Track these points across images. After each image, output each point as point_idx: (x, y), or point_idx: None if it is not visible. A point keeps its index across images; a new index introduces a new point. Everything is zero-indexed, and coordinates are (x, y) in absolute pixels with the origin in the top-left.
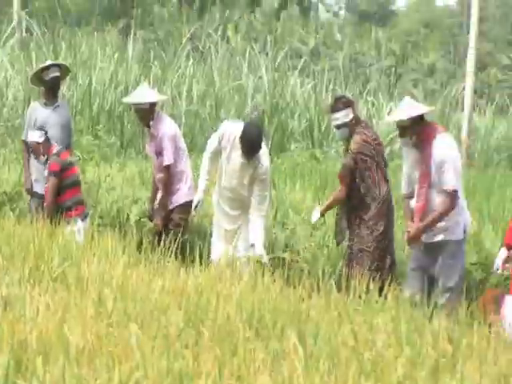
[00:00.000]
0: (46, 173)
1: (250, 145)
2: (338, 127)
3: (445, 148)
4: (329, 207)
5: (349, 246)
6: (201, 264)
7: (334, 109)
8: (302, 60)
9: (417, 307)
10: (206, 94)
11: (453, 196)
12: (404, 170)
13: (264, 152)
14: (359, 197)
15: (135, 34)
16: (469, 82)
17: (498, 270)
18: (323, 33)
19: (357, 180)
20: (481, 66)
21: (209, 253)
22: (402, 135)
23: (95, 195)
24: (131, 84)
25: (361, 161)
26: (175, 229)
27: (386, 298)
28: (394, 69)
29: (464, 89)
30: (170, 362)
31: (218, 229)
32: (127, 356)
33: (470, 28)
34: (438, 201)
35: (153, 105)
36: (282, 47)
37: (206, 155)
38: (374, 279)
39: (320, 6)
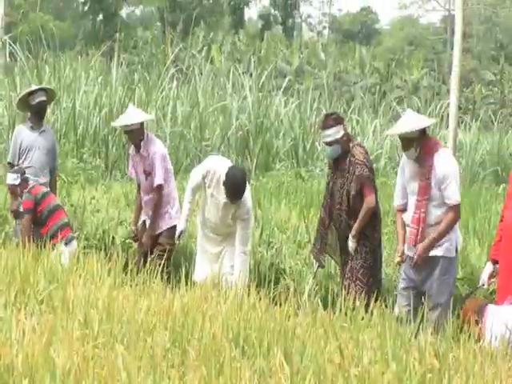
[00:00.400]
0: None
1: (235, 190)
2: (330, 144)
3: (447, 163)
4: (362, 224)
5: (346, 261)
6: (186, 284)
7: (325, 126)
8: (286, 79)
9: (403, 323)
10: (190, 115)
11: (457, 209)
12: (399, 182)
13: (247, 193)
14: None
15: (119, 57)
16: (453, 98)
17: (483, 285)
18: (307, 52)
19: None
20: (465, 83)
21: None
22: (406, 148)
23: (81, 218)
24: (115, 107)
25: (371, 172)
26: (162, 253)
27: (372, 314)
28: (378, 87)
29: (448, 105)
30: (156, 382)
31: (201, 250)
32: (113, 377)
33: (454, 45)
34: (437, 214)
35: (142, 125)
36: (266, 67)
37: (189, 187)
38: (371, 295)
39: (303, 25)
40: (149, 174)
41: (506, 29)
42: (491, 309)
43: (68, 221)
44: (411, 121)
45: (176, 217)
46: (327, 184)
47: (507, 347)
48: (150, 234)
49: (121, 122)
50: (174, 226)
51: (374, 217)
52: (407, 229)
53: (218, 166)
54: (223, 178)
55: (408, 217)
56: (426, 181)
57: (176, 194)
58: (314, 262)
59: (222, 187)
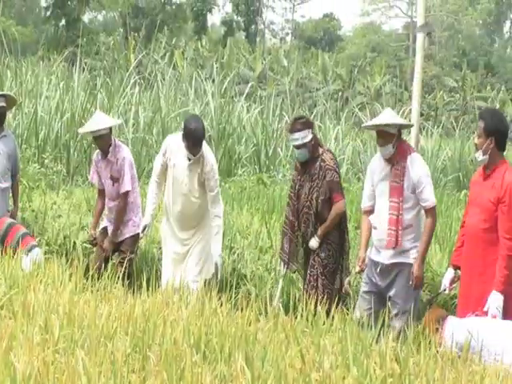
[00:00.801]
0: None
1: (194, 136)
2: (298, 147)
3: (421, 166)
4: (329, 227)
5: (311, 266)
6: (148, 289)
7: (293, 129)
8: (249, 85)
9: (364, 328)
10: (152, 121)
11: (434, 212)
12: (367, 183)
13: (207, 150)
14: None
15: (81, 63)
16: (415, 104)
17: (445, 290)
18: (270, 58)
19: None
20: (428, 89)
21: (157, 278)
22: (384, 143)
23: (42, 223)
24: (77, 112)
25: (339, 177)
26: (123, 260)
27: (333, 319)
28: (340, 93)
29: (410, 112)
30: None
31: (166, 253)
32: (74, 382)
33: (416, 51)
34: (408, 218)
35: (111, 130)
36: (229, 73)
37: (153, 179)
38: (333, 300)
39: (266, 31)
40: (116, 179)
41: (468, 36)
42: (452, 319)
43: (26, 231)
44: (393, 116)
45: (139, 224)
46: (292, 188)
47: (468, 353)
48: (111, 240)
49: (89, 127)
50: (137, 234)
51: (340, 223)
52: (378, 231)
53: (173, 137)
54: (181, 141)
55: (379, 219)
56: (399, 183)
57: (140, 201)
58: (282, 264)
59: (182, 146)
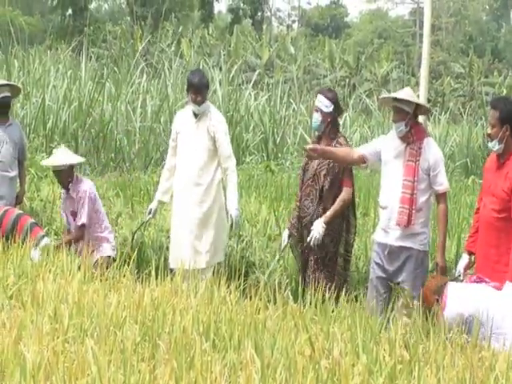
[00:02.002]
0: None
1: (195, 83)
2: (316, 110)
3: (438, 150)
4: (336, 215)
5: (315, 251)
6: (156, 278)
7: (321, 91)
8: (256, 73)
9: (374, 314)
10: (160, 110)
11: (446, 197)
12: (374, 143)
13: (215, 109)
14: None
15: (88, 52)
16: (422, 91)
17: (459, 276)
18: (277, 46)
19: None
20: (434, 75)
21: (165, 267)
22: (398, 119)
23: (50, 213)
24: (85, 101)
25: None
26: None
27: (342, 306)
28: (347, 80)
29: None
30: (127, 376)
31: (173, 234)
32: (83, 371)
33: (423, 37)
34: (421, 200)
35: (72, 167)
36: (236, 61)
37: (165, 167)
38: (340, 285)
39: (273, 19)
40: (75, 214)
41: (475, 21)
42: (451, 286)
43: (34, 221)
44: (410, 95)
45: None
46: (303, 162)
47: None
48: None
49: (50, 162)
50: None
51: (347, 209)
52: (387, 211)
53: (181, 111)
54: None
55: (389, 197)
56: (415, 162)
57: (112, 236)
58: (285, 236)
59: (189, 112)
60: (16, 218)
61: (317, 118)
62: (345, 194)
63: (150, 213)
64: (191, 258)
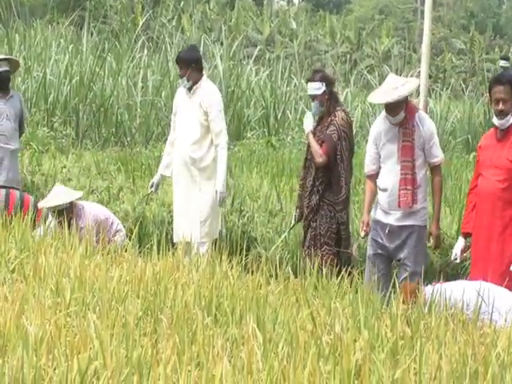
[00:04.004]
0: None
1: (178, 57)
2: (312, 98)
3: (431, 123)
4: (313, 150)
5: (313, 227)
6: (158, 253)
7: (309, 79)
8: (257, 48)
9: (374, 290)
10: (161, 84)
11: (440, 168)
12: (370, 148)
13: (209, 83)
14: (336, 176)
15: (89, 26)
16: (424, 67)
17: (456, 259)
18: (278, 21)
19: (338, 157)
20: (436, 51)
21: (167, 241)
22: (396, 113)
23: (51, 187)
24: (86, 75)
25: (343, 139)
26: None
27: (343, 281)
28: (349, 56)
29: (419, 74)
30: (129, 351)
31: (175, 206)
32: (86, 345)
33: (425, 13)
34: (419, 177)
35: (71, 203)
36: (237, 36)
37: (167, 141)
38: (338, 261)
39: None
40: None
41: None
42: (429, 288)
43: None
44: (399, 85)
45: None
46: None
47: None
48: None
49: (48, 203)
50: None
51: (339, 184)
52: (387, 193)
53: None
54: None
55: (388, 180)
56: (410, 142)
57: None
58: (293, 217)
59: (183, 89)
60: (20, 199)
61: (316, 105)
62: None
63: (152, 187)
64: (185, 231)
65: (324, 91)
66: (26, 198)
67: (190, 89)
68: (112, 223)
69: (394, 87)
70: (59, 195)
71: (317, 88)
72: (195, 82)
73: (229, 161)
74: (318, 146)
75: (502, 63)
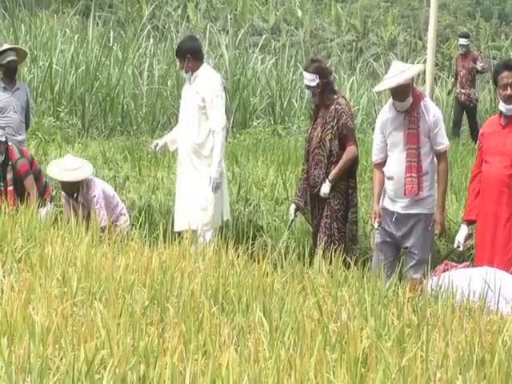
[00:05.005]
0: (8, 176)
1: (176, 49)
2: (307, 88)
3: (436, 109)
4: (341, 171)
5: (325, 216)
6: (164, 242)
7: (305, 68)
8: (263, 37)
9: (381, 278)
10: (167, 73)
11: (446, 156)
12: (377, 137)
13: (208, 71)
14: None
15: (95, 16)
16: (430, 54)
17: (459, 247)
18: (283, 9)
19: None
20: (441, 39)
21: (172, 230)
22: (404, 98)
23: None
24: (92, 65)
25: (353, 124)
26: None
27: (350, 270)
28: (354, 44)
29: (425, 61)
30: (136, 340)
31: (177, 193)
32: (92, 335)
33: (431, 1)
34: (425, 164)
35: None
36: (242, 25)
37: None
38: (350, 247)
39: None
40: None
41: None
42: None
43: (47, 181)
44: (405, 69)
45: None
46: (307, 132)
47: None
48: None
49: (57, 175)
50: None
51: (351, 170)
52: (394, 181)
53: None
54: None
55: (394, 168)
56: (416, 129)
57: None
58: (291, 210)
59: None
60: (39, 169)
61: (308, 94)
62: (347, 152)
63: (155, 146)
64: (187, 219)
65: (317, 84)
66: (41, 174)
67: (190, 78)
68: (117, 205)
69: (398, 72)
70: (71, 170)
71: (310, 79)
72: (194, 71)
73: (224, 147)
74: (341, 163)
75: (462, 41)
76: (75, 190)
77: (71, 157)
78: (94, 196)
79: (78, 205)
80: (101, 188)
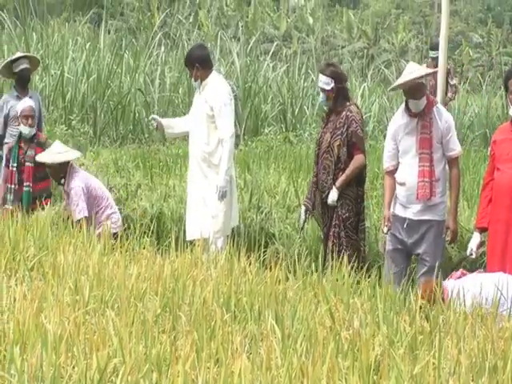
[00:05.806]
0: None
1: (185, 58)
2: (321, 90)
3: (448, 115)
4: (348, 179)
5: (333, 226)
6: (176, 250)
7: (321, 70)
8: (274, 44)
9: (393, 285)
10: (178, 81)
11: (458, 162)
12: (389, 143)
13: (216, 80)
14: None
15: (107, 24)
16: (441, 61)
17: (471, 255)
18: (294, 17)
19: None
20: (453, 45)
21: (184, 238)
22: (419, 96)
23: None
24: (104, 73)
25: (362, 132)
26: None
27: (362, 277)
28: (366, 50)
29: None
30: (148, 348)
31: (189, 201)
32: (104, 343)
33: (442, 7)
34: (438, 170)
35: (64, 164)
36: (254, 32)
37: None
38: (359, 256)
39: None
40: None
41: None
42: (449, 282)
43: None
44: (415, 69)
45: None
46: (318, 135)
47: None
48: None
49: (45, 158)
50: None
51: (359, 180)
52: (406, 187)
53: None
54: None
55: (407, 174)
56: (429, 134)
57: (114, 215)
58: (303, 210)
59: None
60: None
61: (322, 97)
62: (354, 161)
63: (153, 119)
64: (195, 227)
65: (332, 88)
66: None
67: (199, 87)
68: (107, 206)
69: (414, 70)
70: (58, 153)
71: (325, 83)
72: (203, 80)
73: (232, 156)
74: (349, 170)
75: (432, 54)
76: (61, 177)
77: (59, 143)
78: (72, 188)
79: (64, 194)
80: (83, 182)
